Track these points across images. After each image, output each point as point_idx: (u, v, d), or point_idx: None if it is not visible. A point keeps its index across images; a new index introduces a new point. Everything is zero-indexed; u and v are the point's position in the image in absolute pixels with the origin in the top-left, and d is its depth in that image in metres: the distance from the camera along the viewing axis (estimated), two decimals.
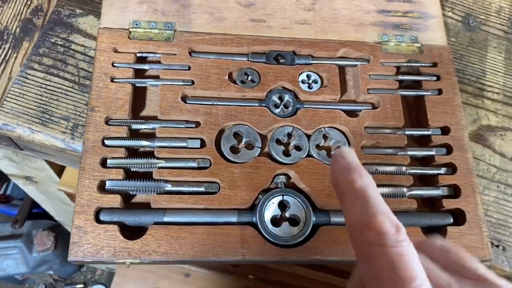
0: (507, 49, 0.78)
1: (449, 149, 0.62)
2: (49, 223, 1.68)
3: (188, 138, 0.58)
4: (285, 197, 0.57)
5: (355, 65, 0.66)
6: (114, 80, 0.60)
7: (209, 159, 0.58)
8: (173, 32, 0.64)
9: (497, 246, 0.64)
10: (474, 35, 0.78)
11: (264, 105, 0.62)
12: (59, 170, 0.93)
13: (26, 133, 0.60)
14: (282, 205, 0.56)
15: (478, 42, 0.77)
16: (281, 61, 0.65)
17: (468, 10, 0.81)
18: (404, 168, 0.60)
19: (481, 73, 0.75)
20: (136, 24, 0.63)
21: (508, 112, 0.73)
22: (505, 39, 0.79)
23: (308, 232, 0.55)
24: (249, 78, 0.63)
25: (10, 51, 0.65)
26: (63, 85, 0.63)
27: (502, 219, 0.65)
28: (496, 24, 0.80)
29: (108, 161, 0.56)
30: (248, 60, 0.64)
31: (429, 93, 0.65)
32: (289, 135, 0.61)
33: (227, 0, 0.67)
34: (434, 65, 0.67)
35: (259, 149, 0.59)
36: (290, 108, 0.62)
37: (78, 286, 1.99)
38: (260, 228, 0.54)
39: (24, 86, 0.62)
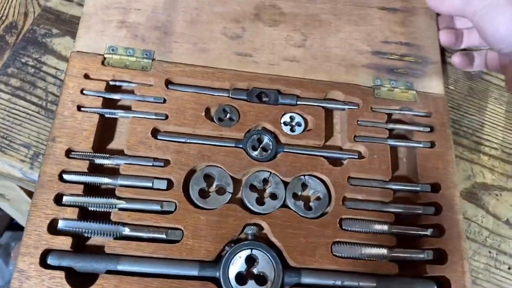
0: (509, 101, 0.73)
1: (438, 209, 0.57)
2: None
3: (155, 178, 0.53)
4: (254, 252, 0.52)
5: (343, 109, 0.62)
6: (82, 109, 0.56)
7: (175, 203, 0.53)
8: (151, 61, 0.59)
9: None
10: (475, 84, 0.73)
11: (241, 146, 0.57)
12: (29, 192, 0.88)
13: None
14: (250, 260, 0.52)
15: (478, 92, 0.73)
16: (264, 99, 0.61)
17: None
18: (387, 227, 0.55)
19: (479, 126, 0.70)
20: (112, 50, 0.59)
21: (506, 170, 0.68)
22: (507, 90, 0.74)
23: None
24: (228, 116, 0.59)
25: None
26: (29, 109, 0.59)
27: None
28: (499, 73, 0.75)
29: (64, 198, 0.51)
30: (228, 96, 0.60)
31: (421, 145, 0.60)
32: (265, 181, 0.57)
33: (212, 31, 0.63)
34: (429, 115, 0.63)
35: (230, 195, 0.55)
36: (269, 152, 0.57)
37: None
38: (223, 285, 0.49)
39: None
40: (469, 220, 0.63)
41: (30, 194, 0.87)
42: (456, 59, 0.67)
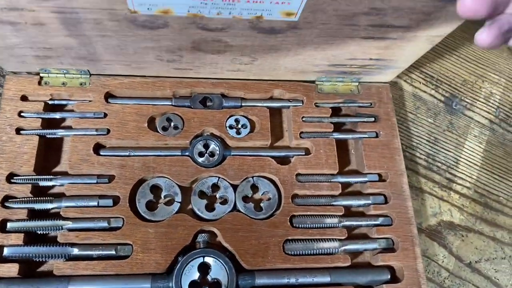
0: (489, 140, 0.70)
1: (386, 197, 0.58)
2: None
3: (99, 197, 0.53)
4: (206, 259, 0.52)
5: (288, 107, 0.62)
6: (21, 132, 0.55)
7: (122, 218, 0.52)
8: (88, 76, 0.59)
9: None
10: (455, 119, 0.71)
11: (187, 154, 0.57)
12: None
13: None
14: (204, 268, 0.51)
15: (458, 128, 0.70)
16: (208, 104, 0.61)
17: (453, 91, 0.73)
18: (337, 220, 0.55)
19: (454, 163, 0.67)
20: (45, 71, 0.58)
21: (476, 211, 0.65)
22: (489, 128, 0.71)
23: None
24: (172, 124, 0.59)
25: None
26: None
27: None
28: (482, 111, 0.72)
29: (8, 224, 0.51)
30: (171, 104, 0.59)
31: (366, 136, 0.61)
32: (214, 187, 0.57)
33: (146, 55, 0.55)
34: (373, 105, 0.63)
35: (179, 204, 0.54)
36: (216, 157, 0.57)
37: None
38: None
39: None
40: (429, 258, 0.61)
41: None
42: (487, 35, 0.39)
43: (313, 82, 0.63)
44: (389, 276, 0.54)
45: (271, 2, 0.43)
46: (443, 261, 0.62)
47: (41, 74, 0.58)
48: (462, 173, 0.68)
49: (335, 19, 0.47)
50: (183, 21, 0.46)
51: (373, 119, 0.62)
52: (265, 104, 0.61)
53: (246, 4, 0.43)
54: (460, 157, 0.69)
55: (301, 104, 0.62)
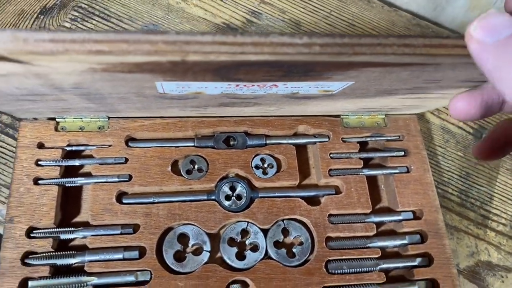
0: None
1: (423, 236, 0.56)
2: None
3: (124, 249, 0.50)
4: None
5: (314, 143, 0.60)
6: (39, 182, 0.52)
7: (150, 271, 0.50)
8: (107, 119, 0.56)
9: None
10: None
11: (213, 198, 0.55)
12: None
13: None
14: None
15: (489, 161, 0.67)
16: (231, 143, 0.58)
17: (482, 122, 0.70)
18: (375, 264, 0.53)
19: (488, 198, 0.65)
20: (62, 117, 0.55)
21: None
22: None
23: None
24: (196, 167, 0.56)
25: None
26: None
27: None
28: None
29: (30, 283, 0.48)
30: (194, 145, 0.57)
31: (397, 171, 0.59)
32: (244, 232, 0.54)
33: (170, 109, 0.52)
34: (401, 138, 0.61)
35: (208, 254, 0.52)
36: (244, 200, 0.55)
37: None
38: None
39: None
40: None
41: None
42: (458, 103, 0.38)
43: (338, 116, 0.61)
44: None
45: (310, 86, 0.41)
46: None
47: (57, 119, 0.55)
48: (497, 208, 0.65)
49: (374, 91, 0.45)
50: (215, 96, 0.44)
51: (402, 153, 0.60)
52: (290, 141, 0.59)
53: (284, 88, 0.41)
54: (493, 192, 0.66)
55: (328, 140, 0.60)
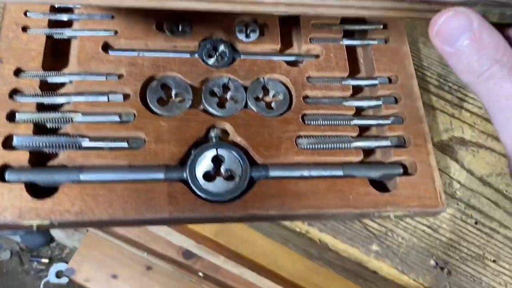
0: None
1: (397, 98, 0.58)
2: None
3: (110, 92, 0.52)
4: (220, 151, 0.51)
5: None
6: (27, 30, 0.54)
7: (133, 112, 0.52)
8: None
9: (442, 268, 0.57)
10: None
11: (196, 56, 0.56)
12: None
13: None
14: (217, 160, 0.51)
15: None
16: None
17: None
18: (349, 118, 0.55)
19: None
20: None
21: (487, 129, 0.65)
22: None
23: (245, 187, 0.50)
24: (180, 28, 0.58)
25: None
26: None
27: (455, 240, 0.59)
28: None
29: (17, 115, 0.50)
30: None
31: (376, 42, 0.61)
32: (225, 87, 0.56)
33: None
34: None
35: (190, 101, 0.54)
36: (226, 59, 0.57)
37: (43, 260, 1.92)
38: (191, 184, 0.49)
39: None
40: (441, 171, 0.61)
41: None
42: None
43: None
44: (401, 170, 0.54)
45: None
46: (454, 174, 0.63)
47: None
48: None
49: None
50: None
51: (382, 26, 0.62)
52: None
53: None
54: None
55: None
